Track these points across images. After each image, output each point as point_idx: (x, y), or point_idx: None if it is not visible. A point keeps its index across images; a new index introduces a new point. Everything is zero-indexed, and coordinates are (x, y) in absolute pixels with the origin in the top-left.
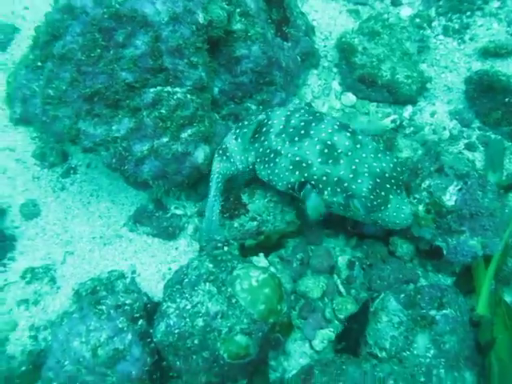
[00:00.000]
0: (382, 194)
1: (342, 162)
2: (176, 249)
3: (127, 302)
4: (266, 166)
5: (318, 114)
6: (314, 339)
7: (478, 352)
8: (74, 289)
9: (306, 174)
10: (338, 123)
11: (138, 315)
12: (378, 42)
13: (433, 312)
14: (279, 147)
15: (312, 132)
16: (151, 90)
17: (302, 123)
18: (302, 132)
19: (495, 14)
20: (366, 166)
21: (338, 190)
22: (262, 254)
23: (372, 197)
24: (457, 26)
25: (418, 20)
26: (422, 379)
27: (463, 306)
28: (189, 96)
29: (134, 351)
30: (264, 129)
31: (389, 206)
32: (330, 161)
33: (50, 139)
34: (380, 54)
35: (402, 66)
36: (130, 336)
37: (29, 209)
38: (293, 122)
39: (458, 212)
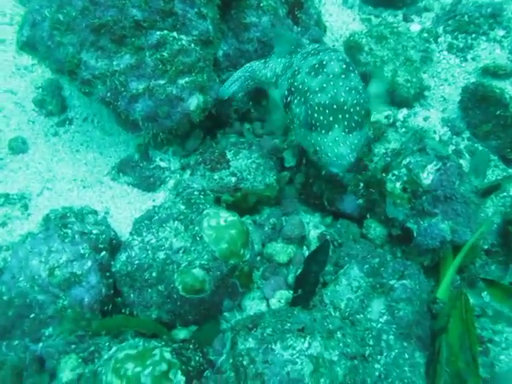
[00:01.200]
0: (330, 118)
1: (319, 77)
2: (153, 200)
3: (94, 231)
4: (282, 77)
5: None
6: (272, 298)
7: (431, 340)
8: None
9: (291, 80)
10: (345, 60)
11: (101, 246)
12: (384, 46)
13: (392, 281)
14: (294, 64)
15: (320, 54)
16: (157, 32)
17: (319, 51)
18: (313, 53)
19: (499, 41)
20: (335, 90)
21: (302, 99)
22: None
23: (317, 112)
24: (461, 45)
25: (425, 34)
26: (371, 343)
27: (423, 284)
28: (193, 45)
29: (91, 278)
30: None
31: (329, 133)
32: (312, 73)
33: (52, 66)
34: (384, 56)
35: (403, 70)
36: (89, 263)
37: (17, 144)
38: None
39: (433, 193)
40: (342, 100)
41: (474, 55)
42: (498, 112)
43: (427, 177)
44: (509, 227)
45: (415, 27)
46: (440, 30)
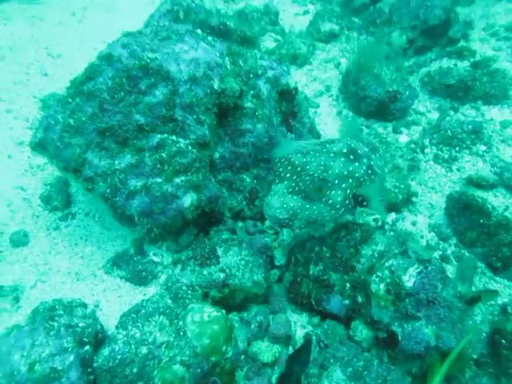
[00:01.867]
0: (287, 173)
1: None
2: (144, 294)
3: (80, 324)
4: None
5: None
6: None
7: None
8: None
9: None
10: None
11: (86, 340)
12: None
13: None
14: None
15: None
16: (158, 135)
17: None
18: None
19: (481, 155)
20: (314, 159)
21: None
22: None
23: (282, 164)
24: (446, 157)
25: (412, 145)
26: None
27: None
28: (190, 147)
29: (71, 374)
30: None
31: (278, 184)
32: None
33: (59, 164)
34: None
35: (391, 177)
36: (71, 357)
37: (18, 237)
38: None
39: (416, 296)
40: (307, 167)
41: (458, 166)
42: (481, 220)
43: (409, 279)
44: (497, 336)
45: (403, 138)
46: (426, 141)
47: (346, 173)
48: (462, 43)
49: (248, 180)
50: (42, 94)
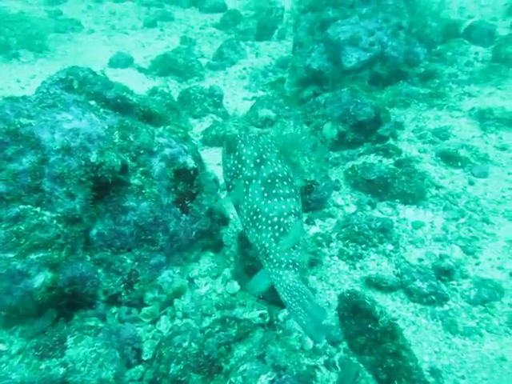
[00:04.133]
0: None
1: None
2: None
3: None
4: None
5: None
6: None
7: None
8: None
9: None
10: None
11: None
12: None
13: None
14: None
15: None
16: (20, 206)
17: None
18: None
19: (387, 255)
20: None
21: None
22: None
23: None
24: (351, 253)
25: (319, 238)
26: None
27: None
28: (55, 222)
29: None
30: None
31: None
32: None
33: None
34: None
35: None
36: None
37: None
38: None
39: None
40: None
41: (362, 264)
42: (369, 325)
43: None
44: None
45: (314, 229)
46: (334, 235)
47: None
48: (390, 141)
49: (128, 261)
50: None
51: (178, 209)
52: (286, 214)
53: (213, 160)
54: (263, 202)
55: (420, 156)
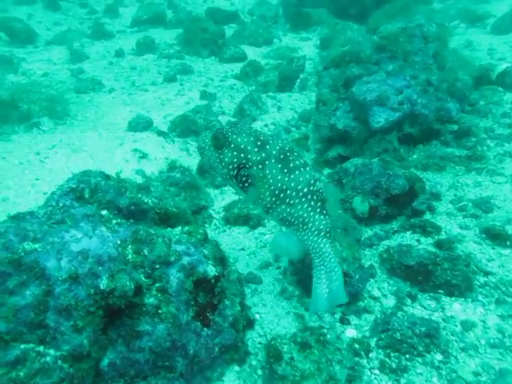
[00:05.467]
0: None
1: None
2: None
3: None
4: None
5: None
6: None
7: None
8: None
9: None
10: None
11: None
12: (308, 357)
13: None
14: None
15: None
16: (21, 346)
17: None
18: None
19: (436, 367)
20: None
21: None
22: None
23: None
24: (394, 365)
25: (356, 345)
26: None
27: None
28: (60, 362)
29: None
30: None
31: None
32: None
33: None
34: (306, 369)
35: None
36: None
37: None
38: None
39: None
40: None
41: (408, 380)
42: None
43: None
44: None
45: (350, 332)
46: (373, 342)
47: None
48: (427, 216)
49: None
50: None
51: (199, 323)
52: (312, 181)
53: (236, 244)
54: (286, 178)
55: (462, 234)
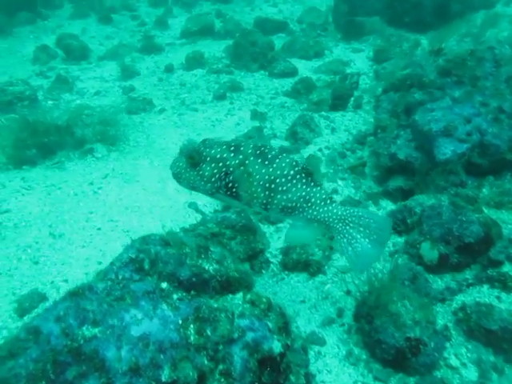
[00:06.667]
0: None
1: None
2: None
3: None
4: None
5: None
6: None
7: None
8: None
9: None
10: None
11: None
12: None
13: None
14: None
15: None
16: None
17: None
18: None
19: None
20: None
21: None
22: None
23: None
24: None
25: None
26: None
27: None
28: None
29: None
30: None
31: None
32: None
33: None
34: None
35: None
36: None
37: None
38: None
39: None
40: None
41: None
42: None
43: None
44: None
45: None
46: None
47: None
48: (506, 267)
49: None
50: (23, 289)
51: None
52: (294, 163)
53: (295, 295)
54: (271, 169)
55: None
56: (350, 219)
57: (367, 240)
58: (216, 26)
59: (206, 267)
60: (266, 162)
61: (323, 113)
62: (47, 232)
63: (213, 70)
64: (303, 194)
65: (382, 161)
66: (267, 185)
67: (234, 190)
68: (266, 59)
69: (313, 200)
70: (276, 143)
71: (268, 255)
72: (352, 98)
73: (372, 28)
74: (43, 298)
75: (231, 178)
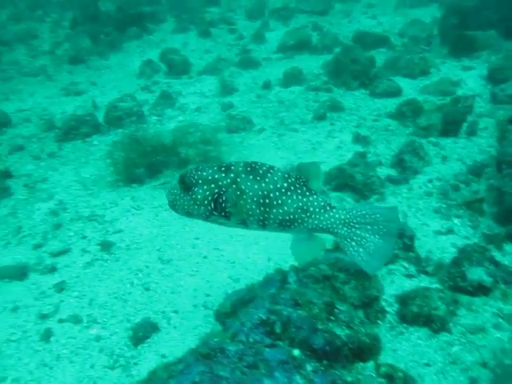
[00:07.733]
0: None
1: None
2: None
3: None
4: None
5: None
6: None
7: None
8: None
9: None
10: None
11: None
12: None
13: None
14: None
15: None
16: None
17: None
18: None
19: None
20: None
21: None
22: None
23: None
24: None
25: None
26: None
27: None
28: None
29: None
30: None
31: None
32: None
33: None
34: None
35: None
36: None
37: None
38: None
39: None
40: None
41: None
42: None
43: None
44: None
45: None
46: None
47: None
48: None
49: None
50: (136, 317)
51: None
52: (286, 175)
53: (418, 355)
54: (263, 184)
55: None
56: (354, 221)
57: (377, 236)
58: (313, 40)
59: (338, 332)
60: (258, 178)
61: (432, 139)
62: (156, 256)
63: (311, 87)
64: (300, 204)
65: (507, 200)
66: (261, 200)
67: (226, 210)
68: (367, 77)
69: (311, 209)
70: (382, 172)
71: (383, 303)
72: (465, 124)
73: (486, 43)
74: (155, 328)
75: (224, 197)
